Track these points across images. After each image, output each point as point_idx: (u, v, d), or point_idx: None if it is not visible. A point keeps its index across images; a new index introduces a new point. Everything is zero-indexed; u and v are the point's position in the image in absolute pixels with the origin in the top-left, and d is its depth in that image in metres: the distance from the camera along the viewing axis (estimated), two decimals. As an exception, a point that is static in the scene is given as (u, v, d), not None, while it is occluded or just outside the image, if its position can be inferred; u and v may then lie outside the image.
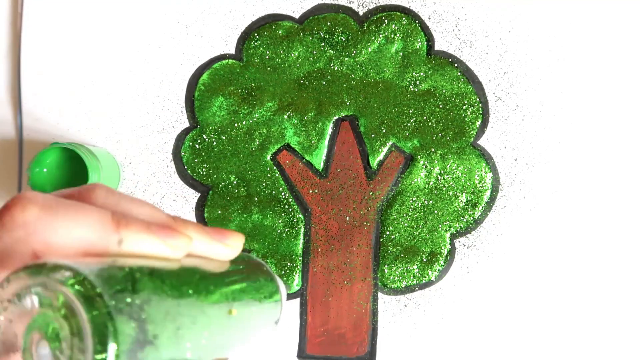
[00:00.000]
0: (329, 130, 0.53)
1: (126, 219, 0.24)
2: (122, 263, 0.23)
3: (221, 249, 0.27)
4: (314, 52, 0.53)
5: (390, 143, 0.53)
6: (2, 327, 0.22)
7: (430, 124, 0.53)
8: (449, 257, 0.53)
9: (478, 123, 0.52)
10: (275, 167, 0.53)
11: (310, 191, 0.53)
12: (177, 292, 0.24)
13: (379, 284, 0.53)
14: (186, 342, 0.24)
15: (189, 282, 0.25)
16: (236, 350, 0.29)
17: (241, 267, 0.29)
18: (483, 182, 0.53)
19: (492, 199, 0.53)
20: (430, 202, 0.53)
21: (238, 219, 0.53)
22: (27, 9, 0.53)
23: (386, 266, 0.53)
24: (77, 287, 0.21)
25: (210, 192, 0.53)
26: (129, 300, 0.22)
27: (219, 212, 0.53)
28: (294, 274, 0.53)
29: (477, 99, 0.52)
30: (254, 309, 0.30)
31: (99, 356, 0.20)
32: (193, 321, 0.24)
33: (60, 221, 0.22)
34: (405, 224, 0.53)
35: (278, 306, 0.31)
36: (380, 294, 0.53)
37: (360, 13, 0.53)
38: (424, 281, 0.53)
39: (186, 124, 0.54)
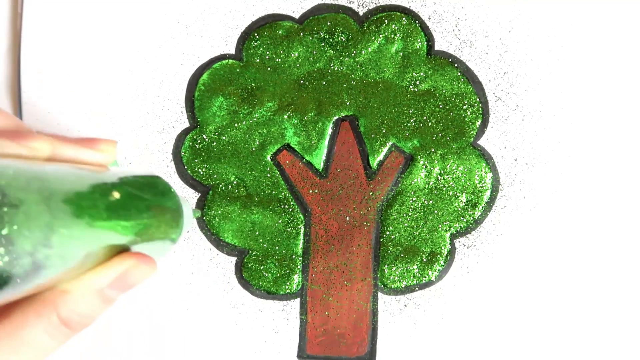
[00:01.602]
0: (329, 130, 0.53)
1: None
2: None
3: (91, 153, 0.26)
4: (314, 52, 0.53)
5: (390, 143, 0.53)
6: None
7: (430, 124, 0.53)
8: (449, 257, 0.53)
9: (478, 123, 0.52)
10: (275, 167, 0.53)
11: (310, 191, 0.53)
12: (40, 172, 0.23)
13: (379, 284, 0.53)
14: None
15: (57, 166, 0.24)
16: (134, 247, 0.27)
17: (125, 170, 0.28)
18: (483, 182, 0.53)
19: (492, 199, 0.53)
20: (430, 202, 0.53)
21: (238, 219, 0.53)
22: (27, 9, 0.53)
23: (386, 266, 0.53)
24: None
25: (210, 192, 0.53)
26: None
27: (219, 212, 0.53)
28: (294, 274, 0.53)
29: (477, 99, 0.52)
30: (138, 204, 0.27)
31: None
32: (65, 192, 0.23)
33: None
34: (405, 224, 0.53)
35: (176, 208, 0.29)
36: (380, 294, 0.53)
37: (360, 13, 0.53)
38: (424, 281, 0.53)
39: (186, 124, 0.54)
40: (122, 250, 0.26)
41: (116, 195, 0.25)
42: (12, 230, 0.20)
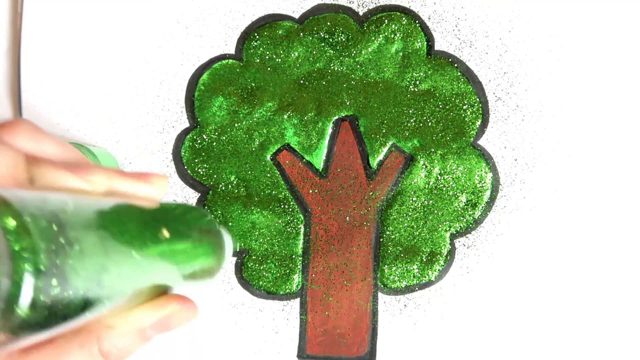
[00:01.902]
0: (329, 130, 0.53)
1: (40, 158, 0.24)
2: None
3: (144, 187, 0.27)
4: (314, 52, 0.53)
5: (390, 143, 0.53)
6: None
7: (430, 124, 0.53)
8: (449, 257, 0.53)
9: (478, 123, 0.52)
10: (275, 167, 0.53)
11: (310, 191, 0.53)
12: (95, 211, 0.23)
13: (379, 284, 0.53)
14: (107, 264, 0.23)
15: (112, 204, 0.24)
16: (179, 284, 0.27)
17: (173, 206, 0.29)
18: (483, 182, 0.53)
19: (492, 199, 0.53)
20: (430, 202, 0.53)
21: (238, 219, 0.53)
22: (27, 9, 0.53)
23: (386, 266, 0.53)
24: None
25: (210, 192, 0.53)
26: (45, 212, 0.21)
27: (219, 212, 0.53)
28: (294, 274, 0.53)
29: (477, 99, 0.52)
30: (190, 237, 0.28)
31: (17, 277, 0.20)
32: (118, 233, 0.23)
33: None
34: (405, 224, 0.53)
35: (218, 243, 0.30)
36: (380, 294, 0.53)
37: (360, 13, 0.53)
38: (424, 281, 0.53)
39: (186, 124, 0.54)
40: (165, 290, 0.27)
41: (166, 234, 0.26)
42: (68, 266, 0.21)
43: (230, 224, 0.53)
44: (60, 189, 0.24)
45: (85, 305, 0.22)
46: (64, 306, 0.21)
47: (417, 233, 0.53)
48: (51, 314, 0.21)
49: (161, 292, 0.27)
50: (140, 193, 0.27)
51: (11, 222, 0.20)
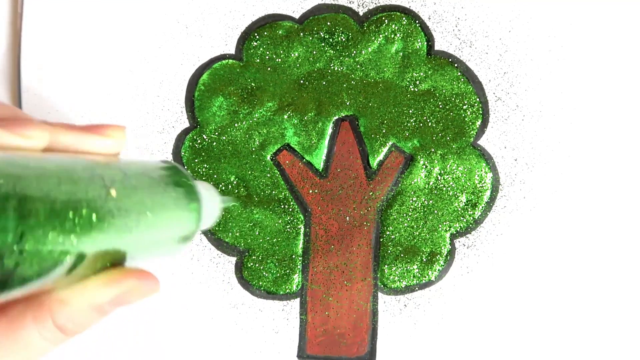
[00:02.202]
0: (329, 130, 0.53)
1: None
2: None
3: (97, 139, 0.24)
4: (314, 52, 0.53)
5: (390, 143, 0.53)
6: None
7: (430, 124, 0.53)
8: (449, 257, 0.53)
9: (478, 123, 0.52)
10: (275, 167, 0.53)
11: (310, 191, 0.53)
12: (21, 168, 0.21)
13: (379, 284, 0.53)
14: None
15: (47, 160, 0.22)
16: (138, 252, 0.25)
17: (136, 162, 0.25)
18: (483, 182, 0.53)
19: (492, 199, 0.53)
20: (430, 202, 0.53)
21: (238, 218, 0.53)
22: (27, 9, 0.53)
23: (386, 266, 0.53)
24: None
25: (210, 192, 0.53)
26: None
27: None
28: (294, 274, 0.53)
29: (477, 99, 0.52)
30: (149, 196, 0.24)
31: None
32: (44, 195, 0.21)
33: None
34: (405, 224, 0.53)
35: (190, 203, 0.26)
36: (380, 294, 0.53)
37: (360, 13, 0.53)
38: (424, 281, 0.53)
39: (186, 124, 0.54)
40: (123, 257, 0.24)
41: (113, 193, 0.23)
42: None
43: (230, 223, 0.53)
44: None
45: (2, 272, 0.20)
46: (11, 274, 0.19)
47: (417, 233, 0.53)
48: None
49: (119, 258, 0.24)
50: (92, 147, 0.24)
51: None
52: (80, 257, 0.22)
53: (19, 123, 0.23)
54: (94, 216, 0.22)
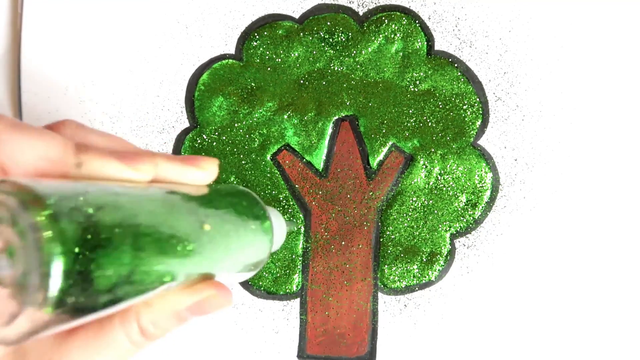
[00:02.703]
0: (329, 130, 0.53)
1: (88, 146, 0.24)
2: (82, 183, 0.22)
3: (194, 172, 0.26)
4: (314, 52, 0.53)
5: (390, 143, 0.53)
6: None
7: (430, 124, 0.53)
8: (449, 257, 0.53)
9: (478, 123, 0.52)
10: (275, 167, 0.53)
11: (310, 191, 0.53)
12: (136, 204, 0.23)
13: (379, 284, 0.53)
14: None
15: (154, 196, 0.24)
16: (220, 274, 0.27)
17: (223, 192, 0.28)
18: (483, 182, 0.53)
19: (492, 199, 0.53)
20: (430, 202, 0.53)
21: (238, 219, 0.53)
22: (27, 9, 0.53)
23: (386, 266, 0.53)
24: (19, 196, 0.20)
25: (210, 192, 0.53)
26: (81, 206, 0.21)
27: (219, 212, 0.53)
28: (294, 274, 0.53)
29: (477, 99, 0.52)
30: (234, 229, 0.27)
31: (46, 268, 0.20)
32: (154, 231, 0.23)
33: (25, 137, 0.23)
34: (405, 224, 0.53)
35: (265, 235, 0.29)
36: (380, 294, 0.53)
37: (360, 13, 0.53)
38: (424, 281, 0.53)
39: (186, 124, 0.54)
40: (205, 278, 0.27)
41: (207, 227, 0.25)
42: (96, 267, 0.21)
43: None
44: (107, 178, 0.24)
45: (114, 301, 0.22)
46: (91, 302, 0.21)
47: (417, 233, 0.53)
48: (77, 309, 0.21)
49: (202, 279, 0.27)
50: (189, 179, 0.26)
51: (41, 216, 0.20)
52: (173, 281, 0.25)
53: (132, 156, 0.25)
54: (191, 247, 0.24)
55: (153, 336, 0.26)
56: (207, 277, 0.27)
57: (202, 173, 0.27)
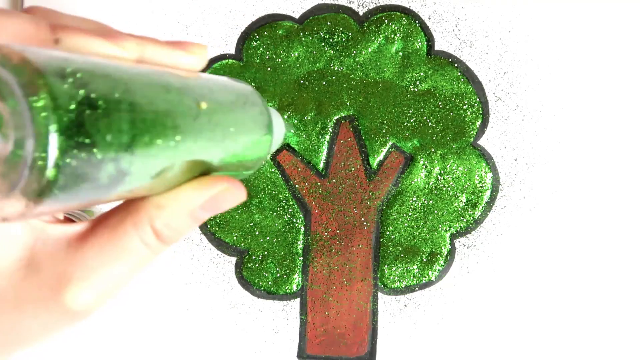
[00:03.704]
0: (329, 130, 0.53)
1: (64, 25, 0.23)
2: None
3: (183, 55, 0.25)
4: (314, 52, 0.53)
5: (390, 143, 0.53)
6: None
7: (430, 124, 0.53)
8: (449, 257, 0.53)
9: (478, 123, 0.52)
10: (275, 167, 0.53)
11: (311, 191, 0.53)
12: (127, 74, 0.22)
13: (379, 284, 0.53)
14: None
15: (145, 71, 0.23)
16: (213, 158, 0.26)
17: (219, 80, 0.27)
18: (483, 182, 0.53)
19: (492, 199, 0.53)
20: (430, 202, 0.53)
21: (238, 219, 0.53)
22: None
23: (386, 266, 0.53)
24: (6, 61, 0.19)
25: (210, 192, 0.53)
26: (73, 70, 0.20)
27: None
28: (294, 274, 0.53)
29: (477, 99, 0.52)
30: (232, 112, 0.26)
31: (43, 128, 0.19)
32: (150, 101, 0.22)
33: None
34: (405, 224, 0.53)
35: (264, 126, 0.28)
36: (380, 294, 0.53)
37: (360, 13, 0.53)
38: (424, 281, 0.53)
39: (186, 124, 0.54)
40: (207, 170, 0.26)
41: (203, 106, 0.24)
42: (95, 128, 0.20)
43: (231, 223, 0.53)
44: (89, 54, 0.23)
45: (119, 174, 0.21)
46: (92, 169, 0.20)
47: (417, 233, 0.53)
48: (76, 177, 0.20)
49: (202, 173, 0.26)
50: (177, 63, 0.25)
51: (32, 81, 0.19)
52: (177, 163, 0.24)
53: (115, 33, 0.24)
54: (189, 125, 0.23)
55: (169, 239, 0.25)
56: (207, 169, 0.26)
57: (191, 57, 0.26)
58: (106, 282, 0.24)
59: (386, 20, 0.53)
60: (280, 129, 0.31)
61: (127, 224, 0.24)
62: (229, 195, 0.26)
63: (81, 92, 0.20)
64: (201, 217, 0.25)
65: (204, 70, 0.53)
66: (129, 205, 0.25)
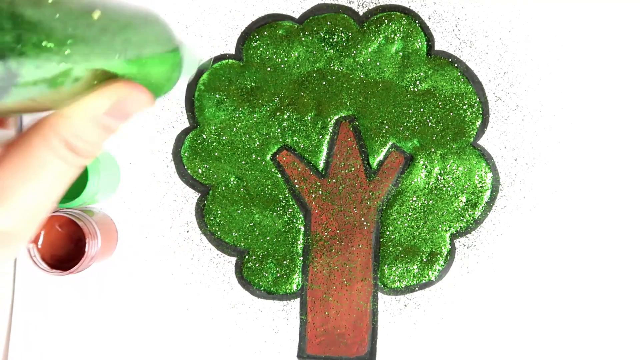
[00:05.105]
0: (329, 130, 0.53)
1: None
2: None
3: None
4: (314, 52, 0.53)
5: (390, 143, 0.53)
6: None
7: (430, 124, 0.53)
8: (449, 257, 0.53)
9: (478, 123, 0.52)
10: (275, 167, 0.53)
11: (310, 191, 0.53)
12: None
13: (379, 284, 0.53)
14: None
15: None
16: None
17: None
18: (483, 182, 0.53)
19: (492, 199, 0.53)
20: (430, 202, 0.53)
21: (238, 219, 0.53)
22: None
23: (386, 266, 0.53)
24: None
25: (210, 192, 0.53)
26: None
27: (219, 212, 0.53)
28: (294, 274, 0.53)
29: (477, 99, 0.52)
30: (130, 26, 0.26)
31: None
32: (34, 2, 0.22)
33: None
34: (405, 224, 0.53)
35: (167, 41, 0.28)
36: (380, 294, 0.53)
37: (360, 13, 0.53)
38: (424, 281, 0.53)
39: (186, 124, 0.54)
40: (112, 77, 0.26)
41: (96, 15, 0.24)
42: None
43: (231, 223, 0.53)
44: None
45: (10, 75, 0.21)
46: None
47: (417, 233, 0.53)
48: None
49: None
50: None
51: None
52: (75, 71, 0.24)
53: None
54: (81, 32, 0.24)
55: (83, 151, 0.25)
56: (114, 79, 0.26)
57: None
58: (28, 201, 0.24)
59: (386, 20, 0.53)
60: (193, 56, 0.31)
61: (35, 138, 0.24)
62: (133, 99, 0.25)
63: None
64: (108, 124, 0.25)
65: (204, 70, 0.53)
66: (38, 122, 0.25)
